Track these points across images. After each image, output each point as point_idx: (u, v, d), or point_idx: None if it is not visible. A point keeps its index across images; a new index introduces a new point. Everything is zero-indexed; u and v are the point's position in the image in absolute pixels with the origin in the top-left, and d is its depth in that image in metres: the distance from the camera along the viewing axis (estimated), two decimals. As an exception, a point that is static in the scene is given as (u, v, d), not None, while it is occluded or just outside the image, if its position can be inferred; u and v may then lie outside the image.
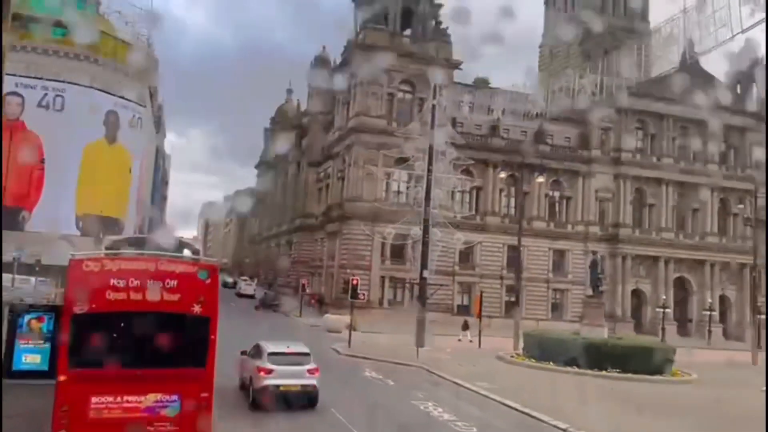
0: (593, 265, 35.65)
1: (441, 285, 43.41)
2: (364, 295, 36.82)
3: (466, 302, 54.25)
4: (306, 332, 37.47)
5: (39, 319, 17.78)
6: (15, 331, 17.45)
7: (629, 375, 25.99)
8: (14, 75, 37.76)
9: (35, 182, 46.04)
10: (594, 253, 49.11)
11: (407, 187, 53.33)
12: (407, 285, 52.52)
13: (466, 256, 54.52)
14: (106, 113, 50.52)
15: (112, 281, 10.03)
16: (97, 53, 50.67)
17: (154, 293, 10.18)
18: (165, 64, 62.25)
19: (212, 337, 10.68)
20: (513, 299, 52.91)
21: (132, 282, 10.09)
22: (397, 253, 53.34)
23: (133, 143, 54.08)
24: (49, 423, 12.68)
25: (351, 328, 33.11)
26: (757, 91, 66.93)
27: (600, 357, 26.79)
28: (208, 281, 10.67)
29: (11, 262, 34.04)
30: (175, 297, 10.34)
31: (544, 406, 18.14)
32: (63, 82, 47.85)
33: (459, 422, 15.89)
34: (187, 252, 12.67)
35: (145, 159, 59.33)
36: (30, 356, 17.66)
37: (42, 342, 17.66)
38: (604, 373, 26.06)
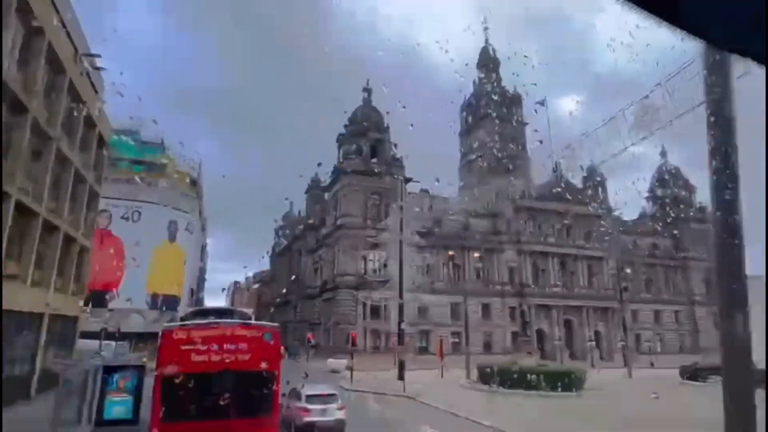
0: (522, 314, 34.95)
1: (412, 334, 41.61)
2: (357, 343, 34.69)
3: (424, 344, 51.79)
4: (315, 373, 34.93)
5: (125, 378, 15.63)
6: (106, 387, 15.27)
7: (557, 392, 24.32)
8: (106, 198, 36.20)
9: (118, 273, 44.27)
10: (520, 305, 48.42)
11: (380, 264, 52.38)
12: (383, 335, 50.61)
13: (423, 311, 52.77)
14: (168, 222, 49.59)
15: (196, 346, 8.64)
16: (164, 180, 50.37)
17: (230, 354, 8.83)
18: (208, 186, 62.24)
19: (276, 389, 9.10)
20: (456, 341, 51.42)
21: (212, 346, 8.70)
22: (375, 312, 51.57)
23: (187, 242, 52.84)
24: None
25: (351, 369, 30.64)
26: (602, 191, 69.69)
27: (535, 380, 25.11)
28: (272, 342, 9.25)
29: (99, 331, 31.50)
30: (247, 357, 8.96)
31: (511, 423, 16.35)
32: (141, 201, 47.29)
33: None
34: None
35: (194, 253, 57.86)
36: (117, 408, 15.38)
37: (128, 396, 15.46)
38: (539, 392, 24.34)
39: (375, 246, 52.75)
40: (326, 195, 66.60)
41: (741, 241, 5.98)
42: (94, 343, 28.90)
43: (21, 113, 17.16)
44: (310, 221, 72.83)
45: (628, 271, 59.47)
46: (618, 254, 64.81)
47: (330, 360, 40.74)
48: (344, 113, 61.11)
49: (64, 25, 20.44)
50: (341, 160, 59.33)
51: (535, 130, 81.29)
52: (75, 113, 22.65)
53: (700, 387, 32.10)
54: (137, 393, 14.97)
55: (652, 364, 51.71)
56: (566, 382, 25.35)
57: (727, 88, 6.38)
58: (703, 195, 79.20)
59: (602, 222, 64.82)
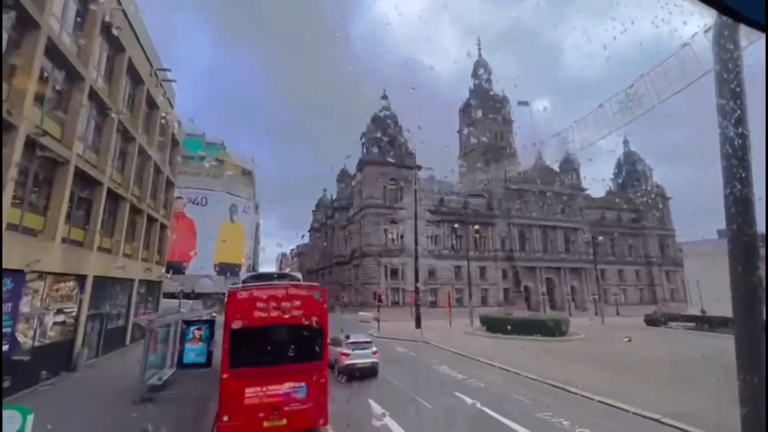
0: (515, 274, 34.10)
1: (424, 291, 40.97)
2: (382, 300, 34.12)
3: (433, 299, 50.99)
4: (349, 323, 34.89)
5: (199, 329, 15.28)
6: (185, 338, 14.96)
7: (546, 337, 23.58)
8: (180, 187, 35.99)
9: (191, 246, 44.44)
10: (512, 267, 47.32)
11: (397, 236, 51.62)
12: (400, 292, 50.19)
13: (432, 272, 52.05)
14: (230, 205, 49.67)
15: (258, 304, 8.09)
16: (225, 172, 50.12)
17: (286, 311, 8.14)
18: (258, 177, 61.98)
19: (325, 339, 8.52)
20: (459, 296, 50.71)
21: (270, 304, 8.13)
22: (394, 274, 51.01)
23: (244, 222, 52.86)
24: (209, 399, 10.35)
25: (378, 320, 30.26)
26: (575, 174, 67.40)
27: (528, 327, 24.40)
28: (321, 300, 8.61)
29: (178, 292, 31.67)
30: (300, 313, 8.33)
31: (513, 363, 15.73)
32: (207, 189, 47.16)
33: (470, 379, 13.41)
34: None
35: (250, 230, 57.95)
36: (194, 354, 15.05)
37: (202, 344, 15.11)
38: (531, 337, 23.64)
39: (393, 222, 51.99)
40: (353, 182, 65.75)
41: (752, 194, 4.98)
42: (174, 302, 29.08)
43: (107, 116, 16.68)
44: (340, 203, 72.28)
45: (600, 238, 57.67)
46: (588, 225, 63.17)
47: (360, 313, 40.58)
48: (362, 118, 59.94)
49: (140, 45, 19.76)
50: (365, 154, 58.27)
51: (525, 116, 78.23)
52: (152, 118, 22.16)
53: (662, 331, 31.07)
54: (210, 341, 14.70)
55: (618, 313, 50.60)
56: (554, 329, 24.58)
57: (736, 57, 5.36)
58: (659, 175, 76.37)
59: (575, 199, 62.95)
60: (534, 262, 58.29)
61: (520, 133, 77.66)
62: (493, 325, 26.37)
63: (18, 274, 11.38)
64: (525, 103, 59.54)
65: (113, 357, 17.15)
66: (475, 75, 79.32)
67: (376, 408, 10.25)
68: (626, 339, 22.72)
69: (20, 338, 11.64)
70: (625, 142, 76.50)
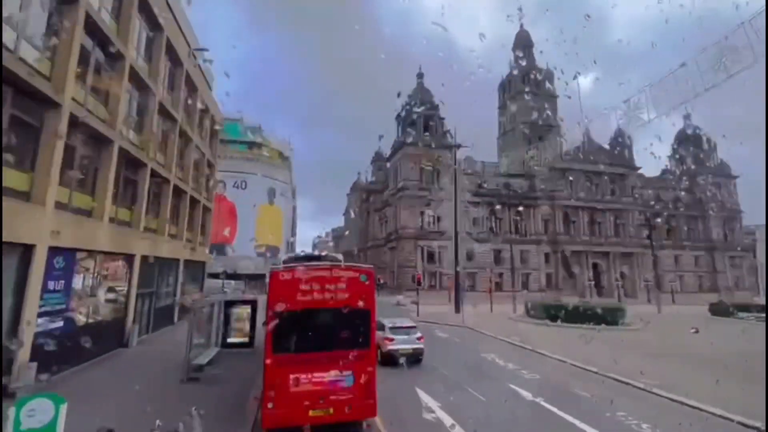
0: (564, 259, 32.22)
1: (462, 275, 39.77)
2: (422, 283, 33.36)
3: (471, 284, 49.69)
4: (385, 306, 34.59)
5: (242, 310, 15.19)
6: (228, 317, 14.93)
7: (602, 326, 21.87)
8: (221, 171, 36.61)
9: (232, 228, 45.65)
10: (557, 251, 44.98)
11: (434, 218, 50.39)
12: (437, 275, 49.30)
13: (470, 256, 50.59)
14: (268, 189, 50.43)
15: (301, 286, 7.44)
16: (263, 156, 50.74)
17: (330, 293, 7.50)
18: (294, 162, 62.38)
19: (372, 324, 7.82)
20: (498, 281, 49.07)
21: (314, 286, 7.48)
22: (431, 257, 50.10)
23: (282, 205, 53.57)
24: (252, 380, 10.09)
25: (417, 303, 29.61)
26: (628, 151, 62.49)
27: (579, 315, 22.80)
28: (367, 283, 7.89)
29: (221, 273, 32.51)
30: (346, 296, 7.67)
31: (567, 354, 14.52)
32: (246, 173, 47.94)
33: (523, 370, 12.42)
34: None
35: (287, 213, 58.70)
36: (237, 333, 14.99)
37: (244, 324, 15.01)
38: (583, 325, 22.06)
39: (429, 204, 50.86)
40: (388, 164, 64.83)
41: None
42: (218, 282, 29.83)
43: (148, 96, 16.65)
44: (376, 186, 71.76)
45: (659, 220, 53.65)
46: (641, 207, 58.83)
47: (397, 296, 40.38)
48: (397, 98, 58.33)
49: (178, 25, 19.58)
50: (400, 134, 57.00)
51: (569, 97, 73.44)
52: (192, 99, 22.18)
53: (732, 322, 28.24)
54: (252, 321, 14.62)
55: (673, 301, 47.13)
56: (609, 317, 22.80)
57: None
58: (724, 152, 69.37)
59: (627, 179, 58.61)
60: (580, 246, 55.34)
61: (567, 108, 73.16)
62: (540, 312, 24.93)
63: (69, 252, 11.55)
64: (573, 77, 55.19)
65: (162, 334, 17.63)
66: (516, 48, 75.05)
67: (425, 398, 9.58)
68: (693, 330, 20.69)
69: (74, 315, 11.90)
70: (686, 116, 70.00)
